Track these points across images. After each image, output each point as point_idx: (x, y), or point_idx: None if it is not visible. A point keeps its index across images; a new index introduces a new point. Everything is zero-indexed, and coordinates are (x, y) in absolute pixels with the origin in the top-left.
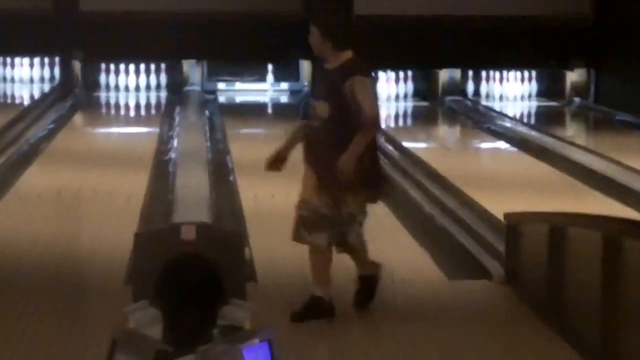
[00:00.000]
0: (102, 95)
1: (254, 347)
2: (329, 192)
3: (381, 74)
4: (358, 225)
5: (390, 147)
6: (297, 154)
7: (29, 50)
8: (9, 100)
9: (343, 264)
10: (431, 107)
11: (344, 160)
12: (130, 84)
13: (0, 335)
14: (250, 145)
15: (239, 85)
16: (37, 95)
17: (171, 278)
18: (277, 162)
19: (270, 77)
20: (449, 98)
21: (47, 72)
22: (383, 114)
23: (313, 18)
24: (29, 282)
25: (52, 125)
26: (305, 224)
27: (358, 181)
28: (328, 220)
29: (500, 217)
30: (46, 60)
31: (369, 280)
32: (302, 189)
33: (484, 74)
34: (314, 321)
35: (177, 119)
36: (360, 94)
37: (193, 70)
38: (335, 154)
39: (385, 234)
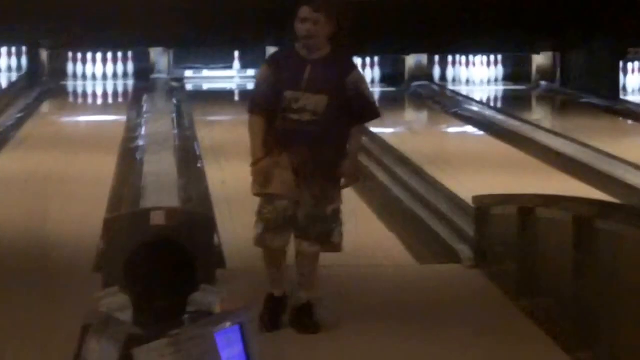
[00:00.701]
0: (70, 83)
1: (226, 330)
2: (319, 188)
3: None
4: (340, 222)
5: None
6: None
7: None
8: None
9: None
10: (398, 92)
11: (352, 162)
12: (97, 72)
13: None
14: (217, 132)
15: (205, 72)
16: (4, 84)
17: (140, 263)
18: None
19: (236, 63)
20: (415, 83)
21: (14, 61)
22: None
23: (320, 4)
24: None
25: (19, 114)
26: (270, 228)
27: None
28: (292, 222)
29: (469, 200)
30: (13, 49)
31: (309, 308)
32: (265, 186)
33: (450, 58)
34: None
35: (144, 106)
36: (366, 88)
37: (160, 58)
38: (331, 149)
39: (353, 218)
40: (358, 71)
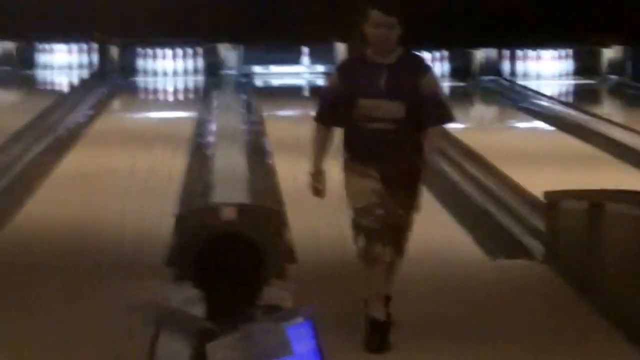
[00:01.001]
0: (140, 80)
1: (297, 326)
2: (404, 195)
3: None
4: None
5: None
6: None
7: (67, 37)
8: (48, 87)
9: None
10: (468, 87)
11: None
12: (168, 68)
13: (39, 312)
14: (287, 127)
15: (274, 68)
16: (75, 81)
17: (212, 258)
18: (320, 188)
19: (305, 59)
20: (485, 78)
21: (85, 59)
22: None
23: (392, 7)
24: (68, 263)
25: (90, 111)
26: (375, 238)
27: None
28: (393, 230)
29: (540, 195)
30: (84, 46)
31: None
32: (360, 199)
33: (519, 53)
34: (356, 297)
35: (214, 102)
36: (441, 91)
37: (229, 54)
38: (413, 155)
39: (425, 215)
40: (432, 73)
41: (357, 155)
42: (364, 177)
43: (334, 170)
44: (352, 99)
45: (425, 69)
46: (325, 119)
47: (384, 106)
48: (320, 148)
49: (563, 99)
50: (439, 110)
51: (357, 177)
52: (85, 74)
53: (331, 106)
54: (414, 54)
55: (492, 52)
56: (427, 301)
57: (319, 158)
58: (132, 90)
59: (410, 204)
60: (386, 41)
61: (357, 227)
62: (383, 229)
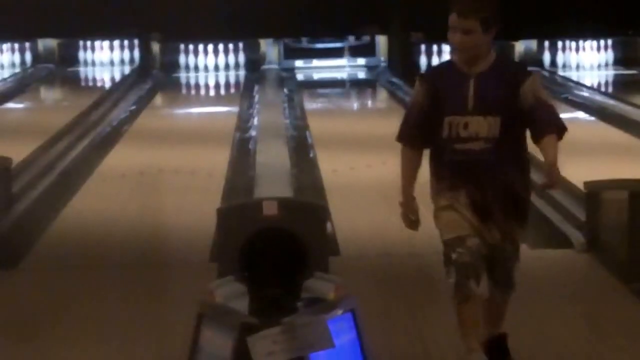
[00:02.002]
0: (182, 75)
1: (339, 318)
2: (506, 223)
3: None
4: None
5: None
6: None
7: (109, 33)
8: (90, 84)
9: None
10: None
11: (550, 172)
12: (209, 64)
13: (87, 308)
14: (328, 121)
15: (316, 62)
16: (117, 77)
17: (255, 252)
18: (413, 219)
19: (347, 53)
20: None
21: (126, 55)
22: None
23: (469, 8)
24: (114, 260)
25: (133, 107)
26: (471, 274)
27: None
28: (497, 263)
29: (580, 185)
30: (126, 42)
31: (502, 341)
32: (450, 229)
33: (560, 43)
34: (398, 290)
35: (256, 97)
36: (547, 96)
37: (270, 49)
38: (514, 176)
39: None
40: (534, 77)
41: (445, 180)
42: (453, 204)
43: (375, 162)
44: (438, 115)
45: (524, 75)
46: (410, 139)
47: (474, 123)
48: (409, 174)
49: (603, 89)
50: (550, 117)
51: (446, 205)
52: (127, 70)
53: (416, 124)
54: (511, 60)
55: (532, 44)
56: None
57: (408, 185)
58: (174, 86)
59: (513, 231)
60: (465, 49)
61: (447, 260)
62: (476, 261)
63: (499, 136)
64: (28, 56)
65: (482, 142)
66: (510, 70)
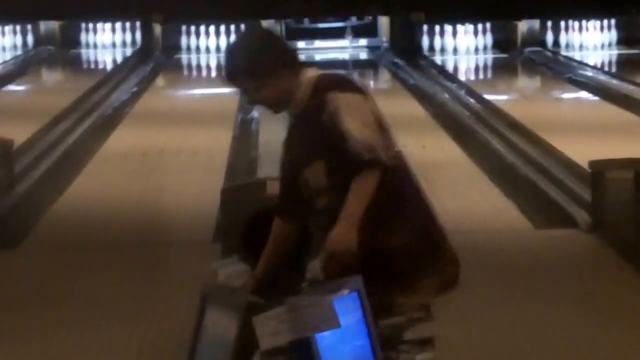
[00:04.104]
0: (183, 57)
1: (344, 298)
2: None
3: (460, 27)
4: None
5: (471, 100)
6: None
7: (110, 15)
8: (92, 66)
9: None
10: (510, 59)
11: (338, 230)
12: (211, 45)
13: (89, 290)
14: None
15: (318, 43)
16: (119, 59)
17: (258, 232)
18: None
19: (349, 33)
20: (528, 49)
21: (128, 37)
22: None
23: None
24: (116, 241)
25: (135, 89)
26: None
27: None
28: None
29: (585, 165)
30: (127, 24)
31: None
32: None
33: (563, 23)
34: None
35: None
36: (340, 115)
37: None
38: (362, 236)
39: (470, 185)
40: (333, 94)
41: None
42: None
43: None
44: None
45: (326, 93)
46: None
47: (306, 179)
48: (266, 258)
49: (607, 69)
50: (348, 150)
51: None
52: (128, 52)
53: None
54: (324, 79)
55: (534, 23)
56: (475, 269)
57: (262, 267)
58: (175, 67)
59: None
60: (270, 107)
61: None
62: None
63: (330, 181)
64: (30, 38)
65: (323, 200)
66: (320, 95)
